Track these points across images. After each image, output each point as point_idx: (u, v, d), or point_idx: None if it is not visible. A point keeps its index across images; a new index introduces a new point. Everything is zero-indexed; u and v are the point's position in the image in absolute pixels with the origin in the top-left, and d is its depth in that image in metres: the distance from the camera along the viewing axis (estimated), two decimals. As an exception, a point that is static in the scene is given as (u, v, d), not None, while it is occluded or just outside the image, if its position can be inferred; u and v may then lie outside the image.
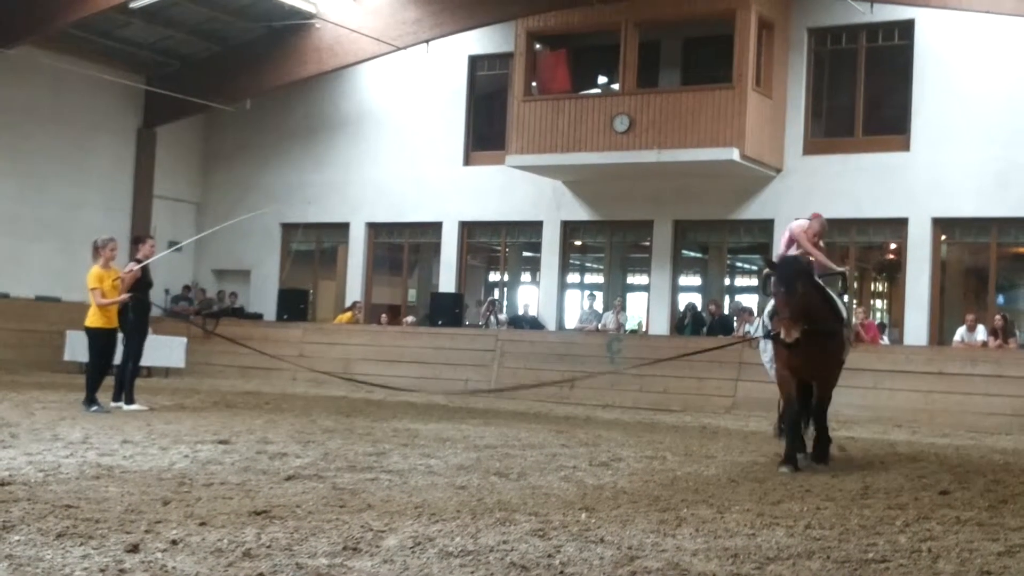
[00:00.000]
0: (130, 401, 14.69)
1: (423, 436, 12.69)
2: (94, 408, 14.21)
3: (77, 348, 23.77)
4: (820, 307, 10.95)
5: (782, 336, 10.52)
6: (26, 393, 16.89)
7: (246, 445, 10.80)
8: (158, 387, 19.24)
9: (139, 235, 16.88)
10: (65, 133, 27.35)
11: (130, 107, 28.89)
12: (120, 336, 14.95)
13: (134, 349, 14.90)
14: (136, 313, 14.77)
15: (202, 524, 6.31)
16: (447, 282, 27.41)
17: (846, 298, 12.22)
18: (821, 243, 12.53)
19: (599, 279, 28.29)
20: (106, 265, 14.59)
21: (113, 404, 14.69)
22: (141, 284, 14.80)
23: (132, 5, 23.91)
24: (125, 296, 14.45)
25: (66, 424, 12.21)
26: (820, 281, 11.38)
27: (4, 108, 26.05)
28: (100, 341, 14.58)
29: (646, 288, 26.39)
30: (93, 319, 14.59)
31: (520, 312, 26.77)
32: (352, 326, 26.45)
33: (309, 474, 8.82)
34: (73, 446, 10.10)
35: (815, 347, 10.79)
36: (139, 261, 14.98)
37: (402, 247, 28.95)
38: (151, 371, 23.35)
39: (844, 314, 11.41)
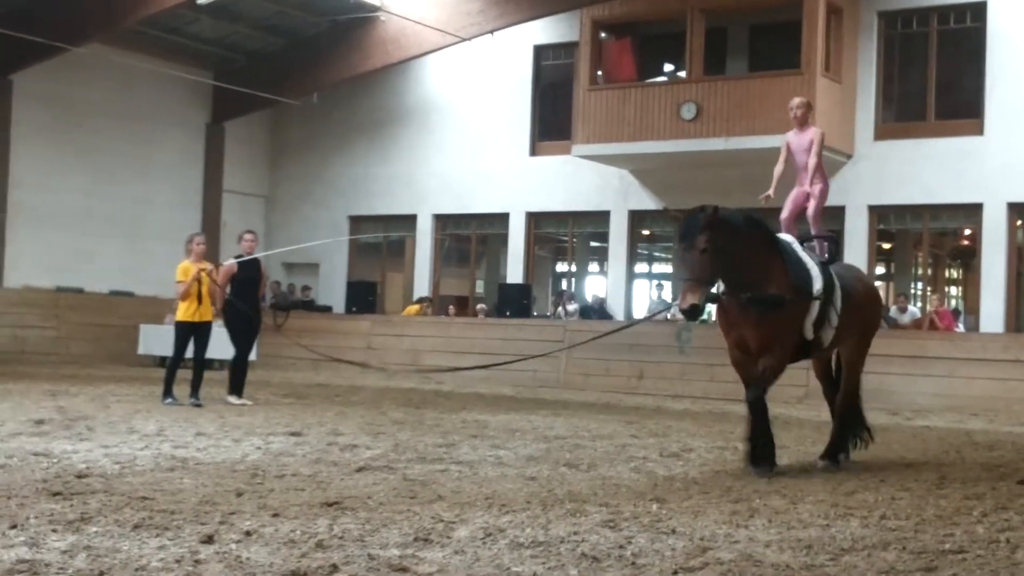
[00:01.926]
0: (230, 392, 15.01)
1: (492, 427, 12.70)
2: (168, 401, 14.37)
3: (151, 342, 24.15)
4: (757, 270, 9.06)
5: (678, 302, 8.90)
6: (102, 387, 17.15)
7: (317, 437, 10.87)
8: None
9: (246, 230, 16.75)
10: (135, 129, 27.72)
11: (198, 102, 29.21)
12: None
13: (234, 345, 15.13)
14: (230, 309, 14.95)
15: (275, 515, 6.35)
16: (515, 273, 27.41)
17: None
18: (813, 126, 10.99)
19: (668, 268, 28.13)
20: (198, 259, 14.70)
21: (229, 398, 14.93)
22: (238, 280, 14.90)
23: (199, 1, 24.14)
24: (188, 283, 14.49)
25: (141, 417, 12.37)
26: (795, 244, 9.74)
27: (75, 106, 26.47)
28: (178, 334, 14.73)
29: (715, 277, 26.17)
30: (177, 312, 14.80)
31: (588, 302, 26.70)
32: (420, 318, 26.53)
33: (380, 465, 8.85)
34: (148, 438, 10.23)
35: (752, 318, 9.10)
36: (239, 257, 15.11)
37: (469, 238, 29.01)
38: (223, 364, 23.58)
39: (815, 284, 9.33)
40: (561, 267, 30.18)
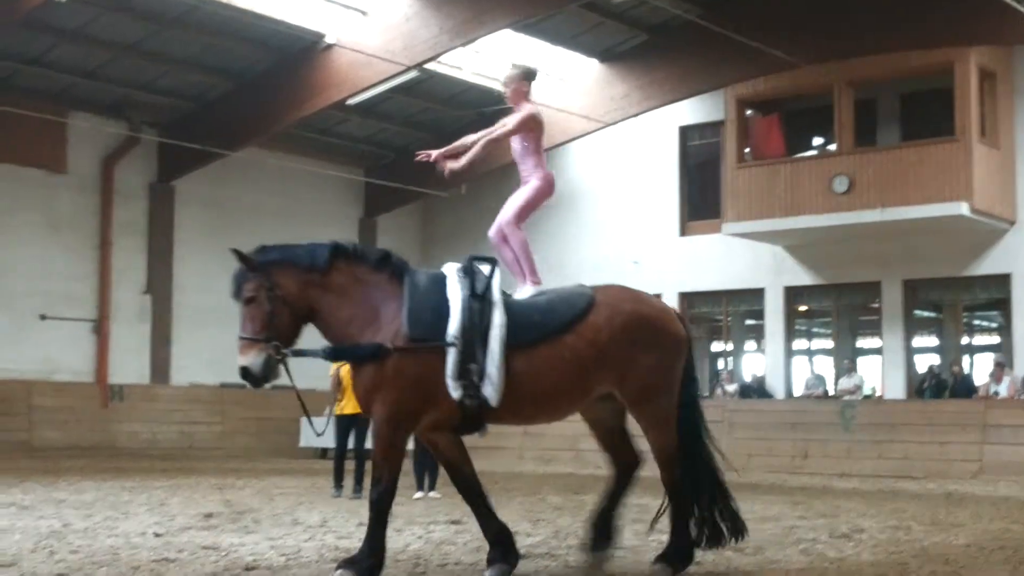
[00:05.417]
0: (429, 488, 14.89)
1: (653, 510, 12.44)
2: (333, 493, 14.54)
3: (312, 434, 24.46)
4: (353, 316, 7.32)
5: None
6: (266, 479, 17.42)
7: (478, 525, 10.79)
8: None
9: None
10: (291, 228, 28.31)
11: (351, 199, 29.93)
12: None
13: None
14: None
15: (439, 605, 6.29)
16: (669, 354, 27.07)
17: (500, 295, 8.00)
18: (528, 103, 8.64)
19: (828, 344, 27.47)
20: None
21: (430, 494, 14.78)
22: None
23: (349, 102, 24.81)
24: (332, 383, 14.66)
25: (304, 508, 12.50)
26: (450, 275, 7.89)
27: (234, 207, 27.35)
28: (336, 427, 14.90)
29: (878, 351, 25.55)
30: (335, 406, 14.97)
31: (747, 381, 26.18)
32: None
33: (540, 552, 8.75)
34: (312, 530, 10.30)
35: (357, 375, 7.48)
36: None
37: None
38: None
39: (450, 325, 7.35)
40: (717, 346, 29.76)
